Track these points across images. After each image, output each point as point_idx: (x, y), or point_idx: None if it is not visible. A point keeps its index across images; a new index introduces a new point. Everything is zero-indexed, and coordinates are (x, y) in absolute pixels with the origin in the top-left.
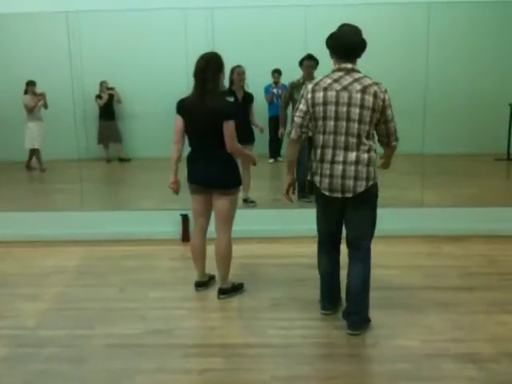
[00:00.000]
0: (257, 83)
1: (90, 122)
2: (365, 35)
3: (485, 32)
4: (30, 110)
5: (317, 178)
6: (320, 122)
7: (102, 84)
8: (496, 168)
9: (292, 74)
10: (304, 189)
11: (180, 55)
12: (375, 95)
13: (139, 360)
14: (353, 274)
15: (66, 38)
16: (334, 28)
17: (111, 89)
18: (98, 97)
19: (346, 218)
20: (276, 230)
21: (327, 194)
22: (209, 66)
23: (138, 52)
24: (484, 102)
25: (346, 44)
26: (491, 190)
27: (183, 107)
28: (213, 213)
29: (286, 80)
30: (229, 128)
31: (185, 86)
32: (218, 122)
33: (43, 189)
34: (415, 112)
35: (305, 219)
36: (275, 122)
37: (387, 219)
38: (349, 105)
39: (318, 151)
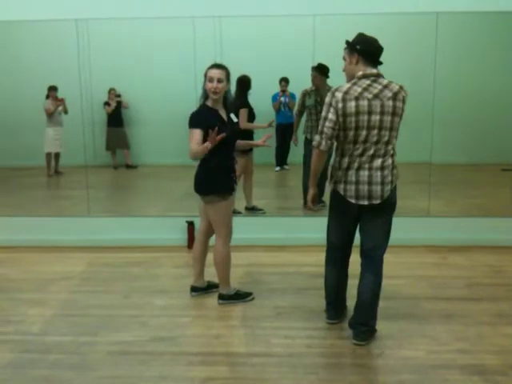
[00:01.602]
0: (264, 91)
1: (98, 128)
2: None
3: (493, 42)
4: (50, 115)
5: (341, 186)
6: (351, 132)
7: (111, 91)
8: (503, 178)
9: (300, 82)
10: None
11: (188, 63)
12: (403, 101)
13: (143, 367)
14: (364, 285)
15: (76, 46)
16: (341, 37)
17: (119, 96)
18: (107, 104)
19: (363, 228)
20: (281, 238)
21: (353, 201)
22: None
23: (147, 60)
24: (492, 112)
25: (377, 48)
26: (498, 200)
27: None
28: None
29: (293, 89)
30: (190, 134)
31: (193, 93)
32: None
33: (50, 194)
34: (423, 121)
35: (310, 228)
36: (282, 130)
37: (393, 228)
38: (381, 113)
39: (346, 160)
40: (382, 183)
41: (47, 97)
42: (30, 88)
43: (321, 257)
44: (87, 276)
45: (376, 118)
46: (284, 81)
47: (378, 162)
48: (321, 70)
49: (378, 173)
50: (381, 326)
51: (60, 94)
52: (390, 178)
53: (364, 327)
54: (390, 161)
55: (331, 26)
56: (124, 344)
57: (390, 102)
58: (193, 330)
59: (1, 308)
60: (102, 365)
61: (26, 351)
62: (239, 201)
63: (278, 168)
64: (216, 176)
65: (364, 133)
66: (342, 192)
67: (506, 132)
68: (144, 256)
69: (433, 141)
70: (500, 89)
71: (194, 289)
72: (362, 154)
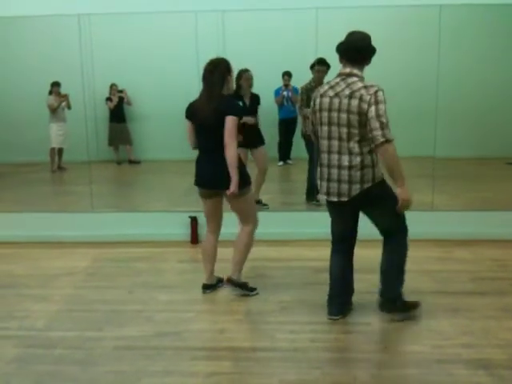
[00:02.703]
0: (267, 86)
1: (100, 124)
2: (375, 37)
3: (496, 34)
4: (53, 111)
5: (318, 182)
6: (318, 127)
7: (112, 87)
8: (507, 172)
9: (302, 76)
10: (314, 191)
11: (191, 58)
12: (361, 98)
13: (147, 362)
14: (382, 257)
15: (78, 41)
16: (344, 30)
17: (121, 91)
18: (109, 99)
19: (368, 216)
20: (285, 232)
21: (325, 197)
22: (216, 69)
23: (149, 54)
24: (495, 105)
25: (348, 47)
26: (502, 193)
27: (190, 111)
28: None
29: (296, 83)
30: (228, 122)
31: (195, 88)
32: (221, 120)
33: (54, 190)
34: (426, 115)
35: (314, 222)
36: (285, 125)
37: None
38: (339, 110)
39: (320, 156)
40: (350, 182)
41: (50, 93)
42: (32, 84)
43: (325, 251)
44: (91, 271)
45: (334, 114)
46: (287, 75)
47: (345, 160)
48: (328, 65)
49: (346, 171)
50: (384, 320)
51: (62, 90)
52: (358, 178)
53: (382, 298)
54: (357, 159)
55: (334, 19)
56: (129, 339)
57: (346, 100)
58: (197, 324)
59: (5, 303)
60: (107, 360)
61: (31, 346)
62: None
63: (281, 162)
64: (241, 167)
65: (326, 128)
66: (318, 188)
67: (510, 125)
68: (148, 251)
69: (436, 134)
70: (504, 82)
71: (207, 287)
72: (328, 151)
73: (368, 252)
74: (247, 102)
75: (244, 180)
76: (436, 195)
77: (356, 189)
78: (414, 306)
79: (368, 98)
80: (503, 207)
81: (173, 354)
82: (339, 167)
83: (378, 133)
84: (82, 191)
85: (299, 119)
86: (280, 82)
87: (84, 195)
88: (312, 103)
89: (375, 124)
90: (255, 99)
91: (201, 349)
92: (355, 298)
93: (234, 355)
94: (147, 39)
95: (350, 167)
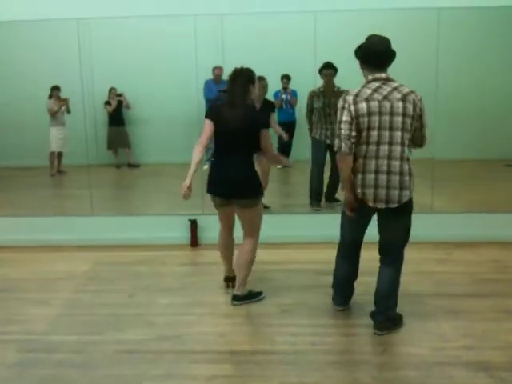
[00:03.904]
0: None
1: (99, 127)
2: None
3: (495, 37)
4: (53, 115)
5: (358, 190)
6: (364, 133)
7: (111, 90)
8: (506, 174)
9: (301, 79)
10: (317, 197)
11: (190, 61)
12: (414, 103)
13: (148, 366)
14: (381, 276)
15: (77, 45)
16: (343, 33)
17: (120, 95)
18: (107, 103)
19: (381, 227)
20: (285, 235)
21: (371, 204)
22: (238, 78)
23: (148, 58)
24: (494, 108)
25: (377, 53)
26: (502, 195)
27: (215, 113)
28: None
29: (294, 86)
30: (264, 136)
31: (194, 92)
32: (250, 129)
33: (53, 194)
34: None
35: (315, 225)
36: (285, 128)
37: None
38: (391, 114)
39: (361, 161)
40: (401, 188)
41: (50, 97)
42: (31, 88)
43: (325, 254)
44: (91, 275)
45: (386, 118)
46: (285, 78)
47: (396, 166)
48: (335, 68)
49: (397, 177)
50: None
51: (62, 94)
52: (408, 183)
53: (381, 316)
54: (406, 165)
55: (332, 22)
56: (129, 343)
57: (400, 103)
58: (198, 328)
59: (5, 308)
60: (108, 364)
61: (32, 351)
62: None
63: (280, 165)
64: (259, 179)
65: (375, 133)
66: (359, 196)
67: (509, 127)
68: (147, 254)
69: (435, 137)
70: (502, 84)
71: (229, 279)
72: (377, 156)
73: (370, 254)
74: (258, 108)
75: (260, 188)
76: (435, 197)
77: (406, 195)
78: (400, 319)
79: (419, 103)
80: (503, 209)
81: (173, 357)
82: (389, 173)
83: (425, 141)
84: (82, 195)
85: (298, 122)
86: (279, 85)
87: (83, 199)
88: (351, 107)
89: (425, 133)
90: (269, 105)
91: (201, 352)
92: (355, 300)
93: (235, 358)
94: (146, 43)
95: (401, 173)
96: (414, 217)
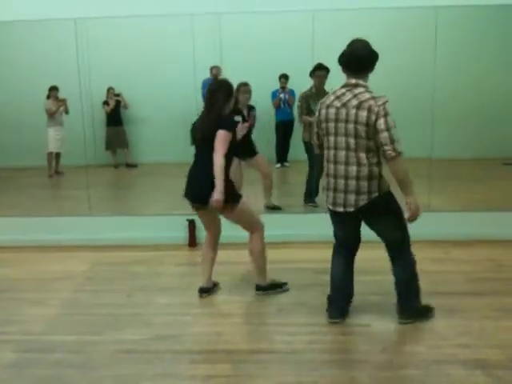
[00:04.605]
0: (264, 88)
1: (97, 128)
2: (371, 40)
3: (492, 36)
4: (51, 115)
5: (324, 192)
6: (325, 138)
7: (109, 90)
8: (504, 172)
9: (299, 79)
10: (312, 194)
11: (187, 61)
12: (369, 109)
13: (146, 366)
14: (393, 273)
15: (75, 45)
16: (341, 32)
17: (118, 95)
18: (105, 103)
19: (371, 228)
20: (283, 234)
21: (331, 207)
22: (219, 89)
23: (146, 58)
24: (492, 107)
25: (359, 58)
26: (499, 194)
27: (195, 121)
28: None
29: (292, 85)
30: (218, 135)
31: (192, 91)
32: (212, 135)
33: (52, 194)
34: (423, 116)
35: (313, 224)
36: (282, 127)
37: None
38: (346, 121)
39: (325, 165)
40: (357, 192)
41: (48, 97)
42: (29, 88)
43: (322, 253)
44: (89, 275)
45: (342, 125)
46: (283, 77)
47: (352, 171)
48: (327, 69)
49: (353, 182)
50: (382, 321)
51: (59, 94)
52: (366, 189)
53: (402, 307)
54: (365, 169)
55: (330, 21)
56: (127, 343)
57: (354, 111)
58: (196, 327)
59: (3, 308)
60: (106, 364)
61: (30, 351)
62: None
63: (278, 165)
64: (229, 183)
65: (332, 138)
66: (325, 198)
67: (507, 126)
68: (146, 254)
69: (433, 136)
70: (500, 83)
71: (204, 290)
72: (335, 161)
73: (367, 253)
74: (246, 114)
75: (233, 195)
76: (433, 196)
77: (363, 199)
78: (428, 310)
79: (376, 109)
80: (500, 208)
81: (171, 357)
82: (346, 177)
83: (388, 148)
84: (80, 195)
85: (296, 122)
86: (277, 85)
87: (82, 199)
88: (317, 113)
89: (385, 138)
90: (251, 111)
91: (199, 352)
92: (354, 299)
93: (233, 358)
94: (144, 43)
95: (358, 177)
96: None
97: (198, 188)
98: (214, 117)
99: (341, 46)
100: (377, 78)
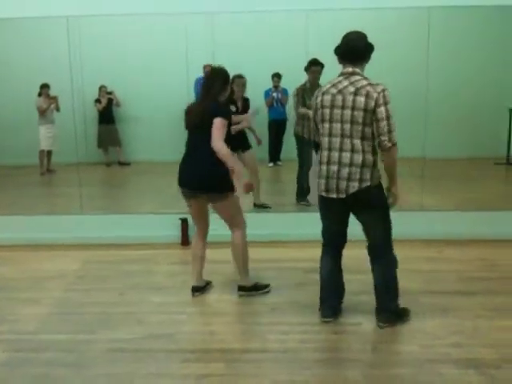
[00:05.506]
0: (257, 87)
1: (89, 125)
2: None
3: (485, 36)
4: (42, 113)
5: (317, 180)
6: (320, 125)
7: (101, 88)
8: (496, 172)
9: (292, 78)
10: (304, 192)
11: (180, 59)
12: (367, 95)
13: (139, 365)
14: (373, 273)
15: (67, 43)
16: (334, 32)
17: (110, 93)
18: (97, 101)
19: (358, 220)
20: (276, 234)
21: (324, 194)
22: (217, 76)
23: (139, 56)
24: (484, 107)
25: (346, 48)
26: (491, 193)
27: (187, 109)
28: None
29: (285, 84)
30: (217, 125)
31: (185, 89)
32: (209, 121)
33: (43, 192)
34: (416, 116)
35: (305, 223)
36: (275, 126)
37: None
38: (342, 107)
39: (319, 153)
40: (349, 179)
41: (39, 94)
42: (21, 86)
43: (314, 252)
44: (82, 274)
45: (338, 111)
46: (276, 76)
47: (346, 157)
48: (322, 65)
49: (346, 168)
50: (374, 320)
51: (51, 92)
52: (358, 176)
53: (381, 310)
54: (359, 157)
55: (323, 21)
56: (120, 341)
57: (351, 97)
58: (189, 326)
59: None
60: (99, 362)
61: (22, 350)
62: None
63: (271, 164)
64: (227, 170)
65: (327, 125)
66: (318, 186)
67: (499, 126)
68: (138, 253)
69: (426, 135)
70: (492, 83)
71: (196, 289)
72: (329, 148)
73: (357, 252)
74: (240, 106)
75: (229, 183)
76: (426, 195)
77: (354, 186)
78: (405, 312)
79: (375, 95)
80: (492, 207)
81: (165, 356)
82: (339, 164)
83: (385, 138)
84: (72, 193)
85: (289, 120)
86: (270, 84)
87: (73, 197)
88: (313, 101)
89: (384, 127)
90: (247, 103)
91: (192, 351)
92: (345, 299)
93: (226, 357)
94: (136, 41)
95: (351, 164)
96: (404, 214)
97: (197, 175)
98: (209, 102)
99: (334, 46)
100: (370, 78)
